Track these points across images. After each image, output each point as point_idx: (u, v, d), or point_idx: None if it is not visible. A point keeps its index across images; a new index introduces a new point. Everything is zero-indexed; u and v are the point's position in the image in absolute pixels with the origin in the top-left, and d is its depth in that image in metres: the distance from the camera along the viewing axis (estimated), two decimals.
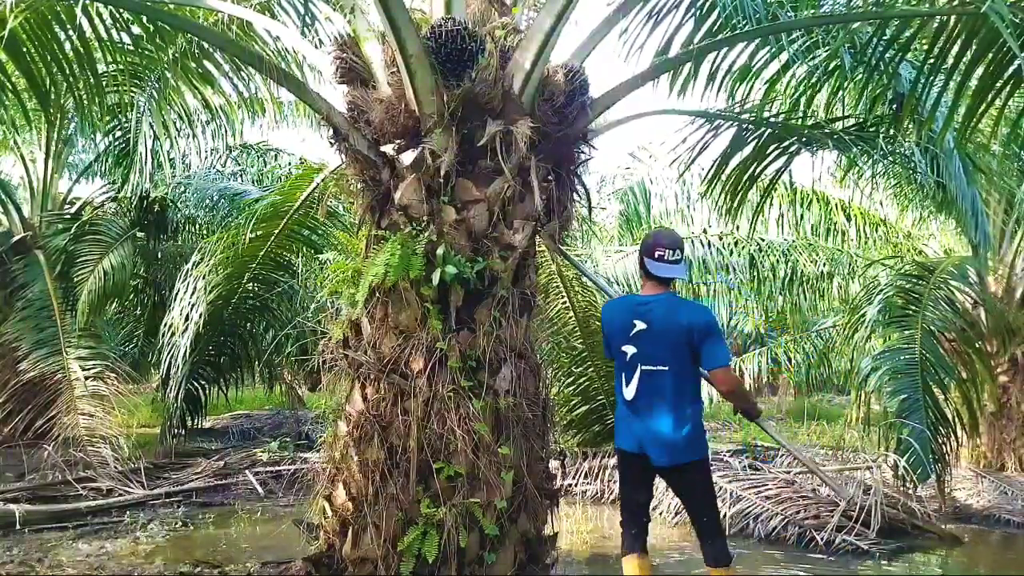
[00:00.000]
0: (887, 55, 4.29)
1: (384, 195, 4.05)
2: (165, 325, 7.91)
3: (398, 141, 3.94)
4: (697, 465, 3.63)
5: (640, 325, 3.56)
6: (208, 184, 11.00)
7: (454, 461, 3.67)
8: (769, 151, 5.23)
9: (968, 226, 7.28)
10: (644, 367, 3.55)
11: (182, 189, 10.88)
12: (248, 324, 9.16)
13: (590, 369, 7.96)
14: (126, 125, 8.15)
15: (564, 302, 7.68)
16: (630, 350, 3.59)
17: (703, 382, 3.71)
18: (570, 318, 7.76)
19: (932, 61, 4.10)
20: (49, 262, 9.26)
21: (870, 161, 5.60)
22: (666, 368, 3.52)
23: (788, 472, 7.10)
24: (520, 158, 3.93)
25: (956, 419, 6.86)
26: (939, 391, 6.50)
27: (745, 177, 5.42)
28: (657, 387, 3.54)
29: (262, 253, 7.90)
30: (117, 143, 9.44)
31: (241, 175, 12.84)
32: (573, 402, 8.15)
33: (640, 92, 4.46)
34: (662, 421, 3.54)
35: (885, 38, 4.23)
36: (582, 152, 4.44)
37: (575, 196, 4.47)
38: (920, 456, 6.01)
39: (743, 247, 10.25)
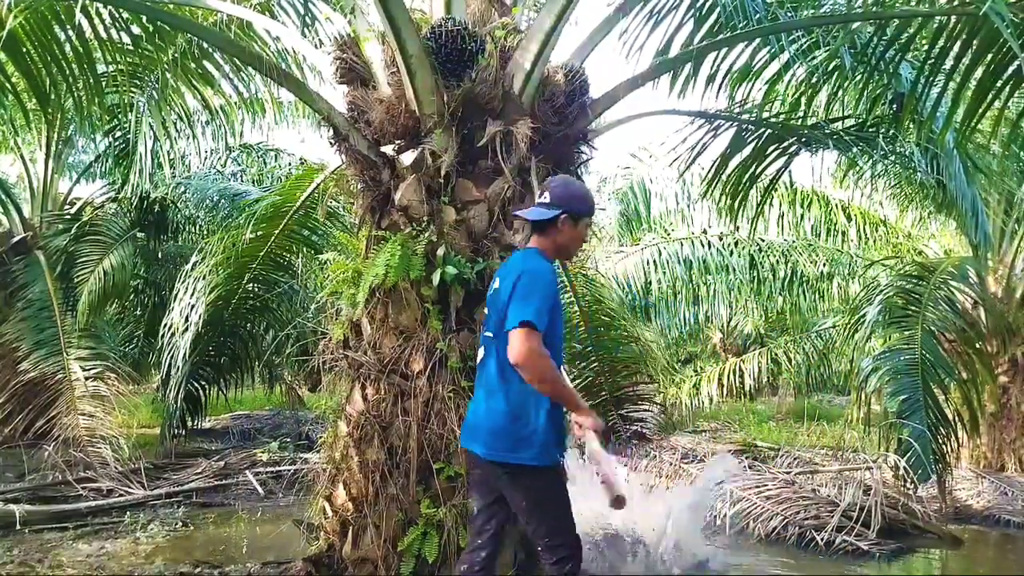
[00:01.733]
0: (887, 55, 4.30)
1: (384, 195, 4.05)
2: (165, 325, 7.91)
3: (398, 141, 3.95)
4: (527, 472, 2.74)
5: (494, 284, 2.95)
6: (208, 184, 10.99)
7: (454, 461, 3.67)
8: (769, 151, 5.23)
9: (968, 226, 7.27)
10: (484, 332, 2.97)
11: (182, 189, 10.87)
12: (248, 324, 9.14)
13: (594, 363, 7.95)
14: (126, 125, 8.15)
15: (568, 296, 7.67)
16: (485, 313, 3.03)
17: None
18: (575, 312, 7.76)
19: (932, 61, 4.10)
20: (49, 262, 9.26)
21: (870, 161, 5.59)
22: (492, 335, 2.86)
23: (788, 472, 7.10)
24: (520, 158, 3.93)
25: (957, 419, 6.87)
26: (939, 391, 6.49)
27: (745, 177, 5.42)
28: (486, 358, 2.90)
29: (262, 253, 7.89)
30: (117, 143, 9.44)
31: (241, 175, 12.84)
32: None
33: (640, 92, 4.47)
34: (482, 400, 2.88)
35: (885, 38, 4.23)
36: (582, 152, 4.44)
37: None
38: (920, 456, 6.01)
39: (743, 247, 10.25)
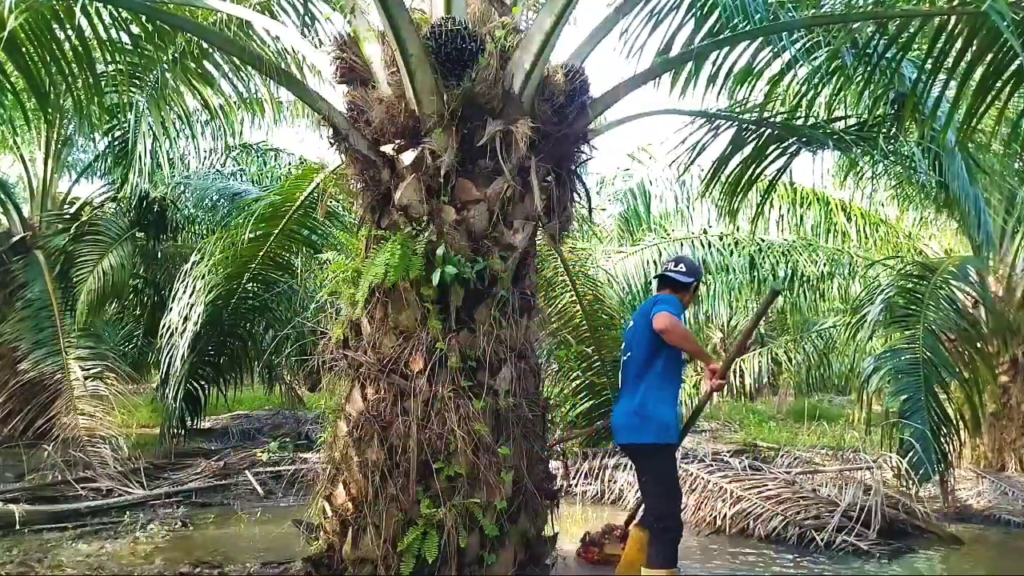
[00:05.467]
0: (888, 54, 4.29)
1: (384, 195, 4.04)
2: (164, 325, 7.90)
3: (398, 141, 3.93)
4: (645, 449, 3.85)
5: (631, 322, 4.20)
6: (208, 184, 11.00)
7: (454, 461, 3.66)
8: (769, 151, 5.22)
9: (971, 225, 7.27)
10: (622, 357, 4.15)
11: (181, 189, 10.87)
12: (247, 324, 9.15)
13: (596, 363, 7.94)
14: (125, 125, 8.14)
15: (571, 296, 7.66)
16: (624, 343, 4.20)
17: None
18: (577, 311, 7.74)
19: (933, 60, 4.09)
20: (49, 262, 9.26)
21: (871, 161, 5.57)
22: (630, 354, 4.03)
23: (788, 472, 7.10)
24: (520, 158, 3.92)
25: (958, 419, 6.87)
26: (941, 391, 6.49)
27: (745, 177, 5.41)
28: (625, 373, 4.05)
29: (261, 253, 7.89)
30: (116, 143, 9.43)
31: (240, 175, 12.83)
32: (579, 396, 8.14)
33: (640, 92, 4.47)
34: (621, 402, 4.04)
35: (886, 37, 4.23)
36: (582, 152, 4.43)
37: (575, 196, 4.47)
38: (922, 456, 6.00)
39: (743, 247, 10.23)
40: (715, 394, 4.01)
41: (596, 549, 4.88)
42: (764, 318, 7.23)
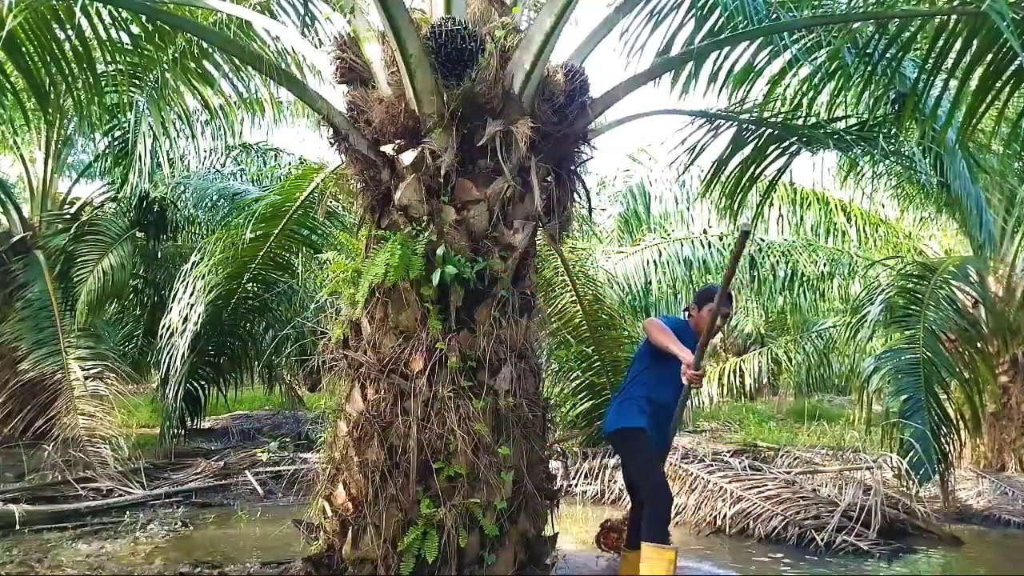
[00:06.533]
0: (888, 54, 4.29)
1: (384, 195, 4.04)
2: (164, 325, 7.90)
3: (398, 141, 3.93)
4: (611, 436, 4.22)
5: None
6: (208, 184, 10.98)
7: (454, 461, 3.66)
8: (769, 151, 5.21)
9: (973, 225, 7.26)
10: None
11: (181, 189, 10.86)
12: (247, 324, 9.15)
13: (596, 363, 7.94)
14: (125, 125, 8.13)
15: (571, 296, 7.67)
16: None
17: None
18: (577, 311, 7.74)
19: (933, 60, 4.09)
20: (49, 262, 9.24)
21: (871, 161, 5.56)
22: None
23: (788, 472, 7.10)
24: (520, 158, 3.92)
25: (958, 419, 6.86)
26: (941, 391, 6.49)
27: (745, 177, 5.41)
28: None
29: (261, 253, 7.89)
30: (116, 143, 9.42)
31: (240, 175, 12.82)
32: (579, 396, 8.15)
33: (640, 92, 4.46)
34: None
35: (886, 37, 4.23)
36: (582, 152, 4.43)
37: (575, 196, 4.47)
38: (922, 456, 6.00)
39: None
40: (694, 389, 4.04)
41: (616, 536, 4.87)
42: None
